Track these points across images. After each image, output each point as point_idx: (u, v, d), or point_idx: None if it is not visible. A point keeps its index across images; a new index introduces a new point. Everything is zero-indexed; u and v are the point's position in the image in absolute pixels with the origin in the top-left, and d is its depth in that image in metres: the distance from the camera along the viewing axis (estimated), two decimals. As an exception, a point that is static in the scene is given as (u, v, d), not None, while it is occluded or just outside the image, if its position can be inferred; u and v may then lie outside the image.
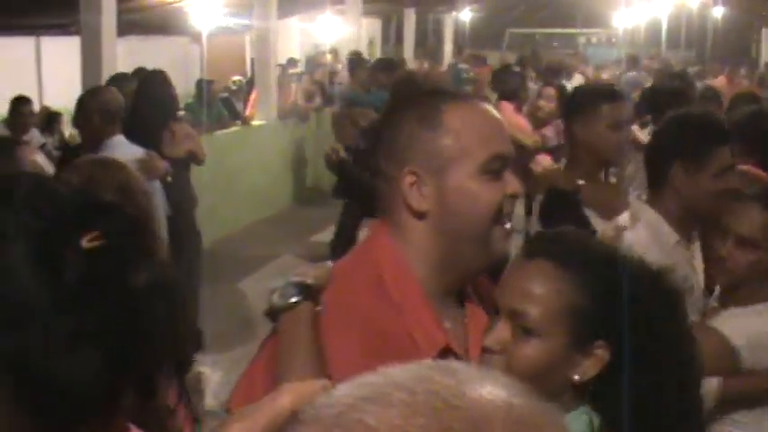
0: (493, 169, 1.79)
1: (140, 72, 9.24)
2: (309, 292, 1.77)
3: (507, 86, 8.01)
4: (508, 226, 1.84)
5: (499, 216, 1.80)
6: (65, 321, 1.07)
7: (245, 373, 1.92)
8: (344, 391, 0.73)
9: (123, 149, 5.12)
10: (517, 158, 1.90)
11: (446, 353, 1.78)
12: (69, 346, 1.07)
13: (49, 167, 4.18)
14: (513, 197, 1.83)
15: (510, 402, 0.70)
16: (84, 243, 1.10)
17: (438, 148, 1.79)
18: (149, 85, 6.64)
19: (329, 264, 1.90)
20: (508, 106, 7.43)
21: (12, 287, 1.08)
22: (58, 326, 1.07)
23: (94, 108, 5.34)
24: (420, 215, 1.81)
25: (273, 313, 1.80)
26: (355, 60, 11.05)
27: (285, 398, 1.02)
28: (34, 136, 8.85)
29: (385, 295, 1.81)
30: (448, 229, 1.81)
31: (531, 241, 1.87)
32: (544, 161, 4.07)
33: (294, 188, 13.31)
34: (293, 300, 1.76)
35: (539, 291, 1.73)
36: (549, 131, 7.78)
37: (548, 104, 8.11)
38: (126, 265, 1.13)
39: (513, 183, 1.82)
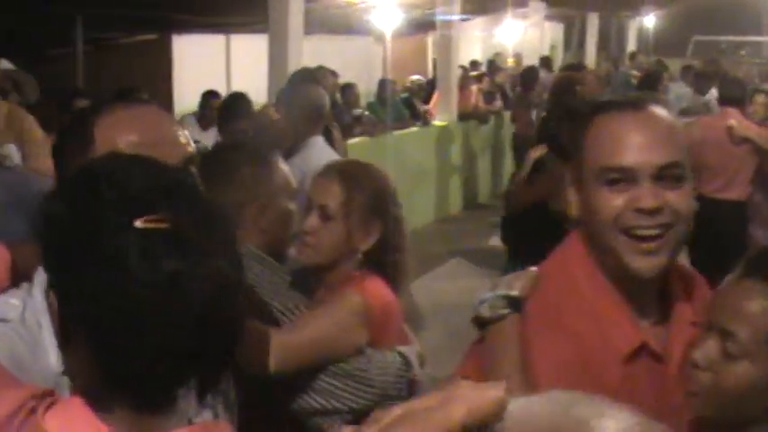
0: (611, 179, 1.77)
1: (321, 70, 9.43)
2: (516, 304, 1.83)
3: (732, 93, 7.79)
4: (648, 245, 1.76)
5: (624, 227, 1.76)
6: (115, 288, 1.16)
7: (451, 377, 1.96)
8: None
9: (322, 151, 5.19)
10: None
11: (641, 350, 1.78)
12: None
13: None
14: (641, 212, 1.75)
15: None
16: (139, 223, 1.15)
17: (581, 154, 1.84)
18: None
19: (533, 270, 1.93)
20: (735, 113, 7.27)
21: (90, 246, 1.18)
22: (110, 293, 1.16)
23: (299, 105, 5.39)
24: (577, 221, 1.88)
25: (481, 323, 1.87)
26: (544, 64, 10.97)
27: (458, 410, 0.98)
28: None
29: (579, 297, 1.82)
30: (590, 235, 1.84)
31: (749, 259, 1.78)
32: None
33: (470, 190, 13.30)
34: (501, 312, 1.83)
35: (749, 311, 1.66)
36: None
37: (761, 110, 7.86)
38: (161, 248, 1.16)
39: (642, 198, 1.75)
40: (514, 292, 1.84)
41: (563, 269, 1.88)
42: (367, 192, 2.52)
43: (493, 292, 1.85)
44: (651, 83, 9.84)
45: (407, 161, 10.50)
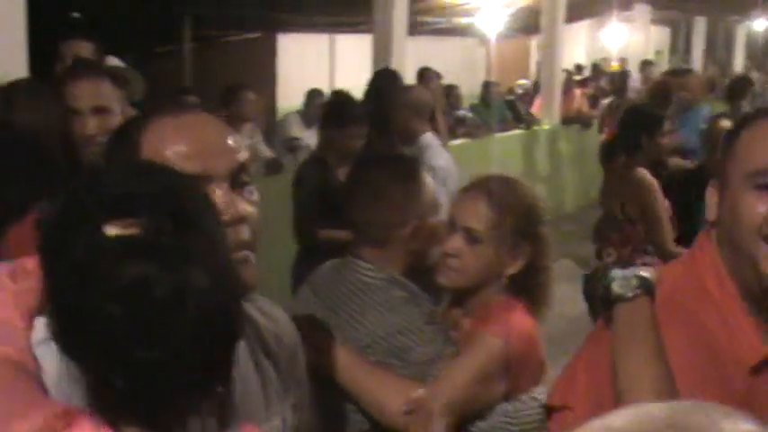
0: (760, 183, 1.69)
1: (422, 71, 9.43)
2: (650, 286, 1.74)
3: None
4: None
5: (766, 236, 1.69)
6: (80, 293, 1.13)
7: (567, 366, 1.91)
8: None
9: (436, 150, 5.20)
10: None
11: (767, 363, 1.72)
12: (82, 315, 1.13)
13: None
14: None
15: None
16: (108, 230, 1.11)
17: (730, 157, 1.77)
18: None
19: (656, 267, 1.86)
20: None
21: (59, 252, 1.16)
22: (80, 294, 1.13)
23: (405, 104, 5.37)
24: (713, 224, 1.81)
25: (609, 301, 1.76)
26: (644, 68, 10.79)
27: None
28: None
29: (709, 300, 1.76)
30: (726, 240, 1.77)
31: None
32: None
33: (574, 194, 13.17)
34: (636, 291, 1.73)
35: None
36: None
37: None
38: (123, 256, 1.11)
39: None
40: (649, 275, 1.75)
41: (692, 270, 1.82)
42: (516, 213, 2.33)
43: (625, 271, 1.75)
44: (739, 90, 9.55)
45: (510, 164, 10.43)
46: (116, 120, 2.88)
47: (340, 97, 5.52)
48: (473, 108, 11.40)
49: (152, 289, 1.10)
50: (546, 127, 12.35)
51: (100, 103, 2.87)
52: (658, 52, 22.68)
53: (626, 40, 17.78)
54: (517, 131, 11.93)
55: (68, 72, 3.04)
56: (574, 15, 14.88)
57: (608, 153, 6.08)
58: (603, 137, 11.63)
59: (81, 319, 1.12)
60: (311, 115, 8.73)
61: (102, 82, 2.93)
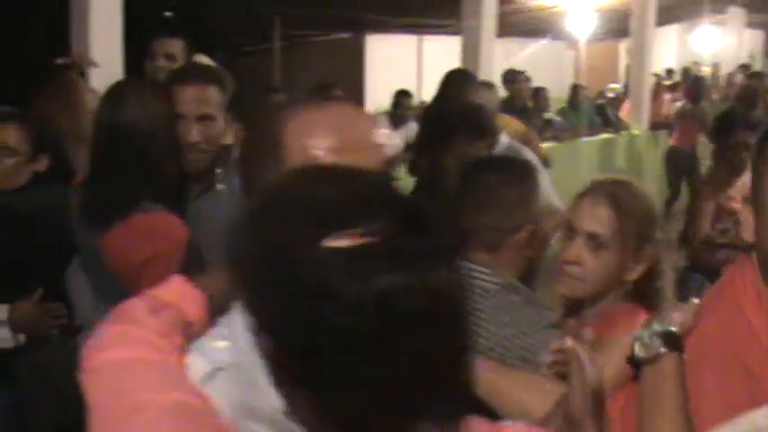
0: None
1: (508, 74, 9.39)
2: (675, 341, 1.66)
3: None
4: None
5: None
6: (315, 308, 1.01)
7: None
8: None
9: (510, 148, 5.17)
10: None
11: None
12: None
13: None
14: None
15: None
16: (332, 242, 1.00)
17: (760, 176, 1.66)
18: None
19: (695, 301, 1.76)
20: None
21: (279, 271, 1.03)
22: (311, 308, 1.01)
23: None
24: (752, 246, 1.70)
25: (637, 363, 1.71)
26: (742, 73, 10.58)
27: None
28: (411, 128, 9.19)
29: (751, 334, 1.67)
30: (762, 263, 1.68)
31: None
32: None
33: (661, 200, 12.98)
34: (657, 351, 1.66)
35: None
36: None
37: None
38: (370, 266, 0.99)
39: None
40: (672, 328, 1.66)
41: (732, 301, 1.71)
42: (637, 216, 2.22)
43: (647, 329, 1.68)
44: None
45: (597, 168, 10.34)
46: (219, 127, 2.89)
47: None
48: (560, 111, 11.32)
49: (404, 299, 0.99)
50: (634, 132, 12.20)
51: (205, 111, 2.86)
52: (751, 57, 22.25)
53: (718, 44, 17.49)
54: (605, 136, 11.80)
55: (177, 75, 3.05)
56: (664, 18, 14.68)
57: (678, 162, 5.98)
58: (671, 142, 11.45)
59: (319, 345, 1.00)
60: (398, 116, 8.76)
61: (209, 89, 2.91)
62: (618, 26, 14.37)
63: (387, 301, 0.98)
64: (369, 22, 13.69)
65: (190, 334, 1.28)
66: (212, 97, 2.90)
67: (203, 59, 4.26)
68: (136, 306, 1.28)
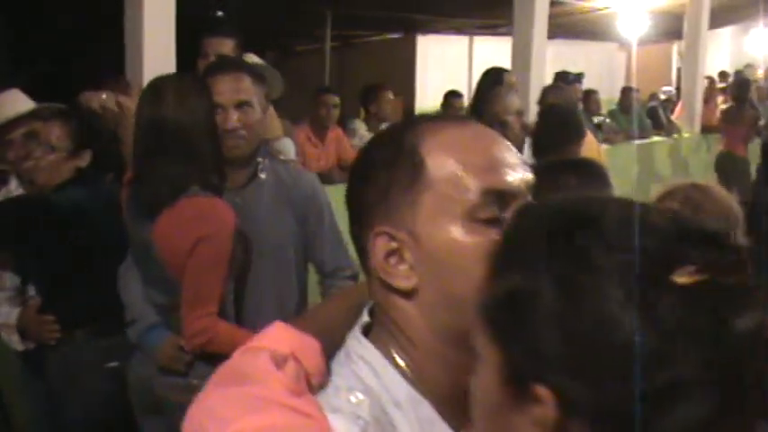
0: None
1: (561, 75, 9.35)
2: None
3: None
4: None
5: None
6: (663, 371, 0.88)
7: None
8: None
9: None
10: None
11: None
12: (669, 396, 0.88)
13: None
14: None
15: None
16: (678, 279, 0.88)
17: None
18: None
19: None
20: None
21: (607, 332, 0.89)
22: (655, 376, 0.87)
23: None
24: None
25: None
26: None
27: None
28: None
29: None
30: None
31: None
32: None
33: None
34: None
35: None
36: None
37: None
38: (728, 304, 0.90)
39: None
40: None
41: None
42: (717, 219, 2.17)
43: None
44: None
45: (648, 171, 10.27)
46: (257, 114, 3.02)
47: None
48: (610, 113, 11.25)
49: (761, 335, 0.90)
50: (686, 135, 12.09)
51: (241, 97, 2.99)
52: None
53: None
54: (656, 139, 11.70)
55: (209, 68, 3.16)
56: (718, 21, 14.53)
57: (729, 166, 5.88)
58: (721, 147, 11.32)
59: (666, 397, 0.88)
60: (449, 117, 8.74)
61: (241, 77, 3.05)
62: (671, 28, 14.25)
63: (756, 339, 0.90)
64: (421, 22, 13.71)
65: (310, 387, 1.15)
66: (247, 85, 3.02)
67: (253, 59, 4.31)
68: (257, 362, 1.12)
